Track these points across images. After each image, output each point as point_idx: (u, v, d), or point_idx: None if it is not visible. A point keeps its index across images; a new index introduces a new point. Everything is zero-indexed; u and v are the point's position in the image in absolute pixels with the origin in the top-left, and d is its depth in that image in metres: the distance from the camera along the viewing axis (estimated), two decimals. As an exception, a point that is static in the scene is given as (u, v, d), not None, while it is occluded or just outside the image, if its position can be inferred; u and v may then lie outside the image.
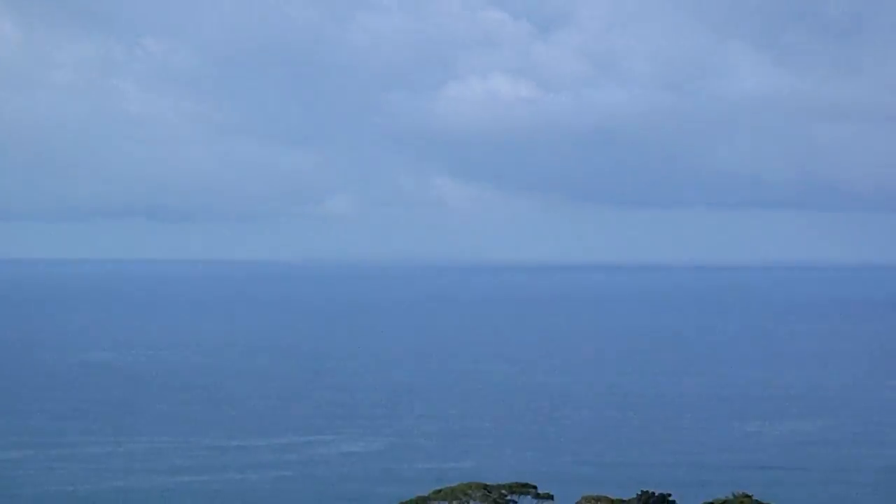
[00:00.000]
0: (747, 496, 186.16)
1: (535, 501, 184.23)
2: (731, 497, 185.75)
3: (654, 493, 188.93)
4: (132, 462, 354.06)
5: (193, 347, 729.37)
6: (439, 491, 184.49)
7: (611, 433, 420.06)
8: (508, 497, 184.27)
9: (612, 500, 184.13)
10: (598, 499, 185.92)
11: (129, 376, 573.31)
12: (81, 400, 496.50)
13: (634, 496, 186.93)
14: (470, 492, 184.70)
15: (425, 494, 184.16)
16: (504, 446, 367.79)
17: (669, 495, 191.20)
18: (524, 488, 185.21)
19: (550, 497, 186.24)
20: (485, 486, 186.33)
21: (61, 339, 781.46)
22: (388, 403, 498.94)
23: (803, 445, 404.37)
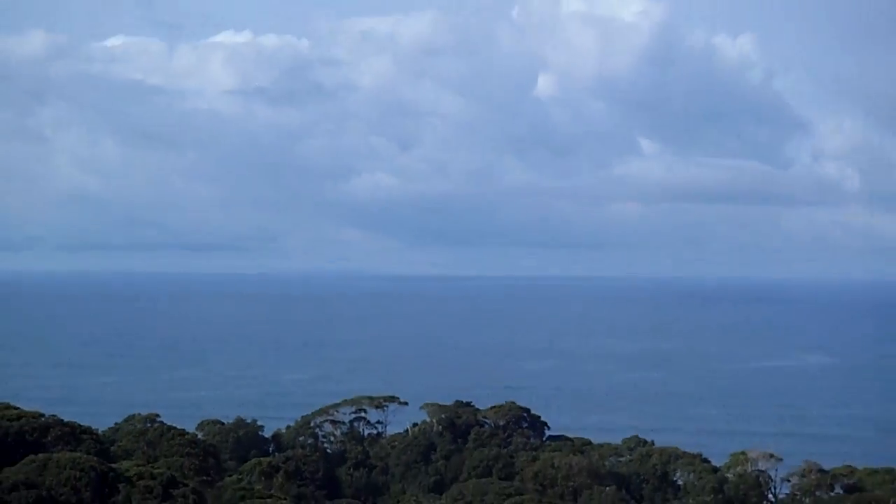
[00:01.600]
0: (514, 402, 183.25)
1: (398, 406, 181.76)
2: (504, 403, 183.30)
3: (463, 401, 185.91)
4: (181, 382, 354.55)
5: (208, 325, 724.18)
6: (346, 400, 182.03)
7: (439, 367, 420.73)
8: (384, 404, 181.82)
9: (441, 405, 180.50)
10: (431, 405, 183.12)
11: (185, 336, 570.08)
12: (149, 347, 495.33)
13: (452, 403, 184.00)
14: (362, 401, 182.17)
15: (337, 402, 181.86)
16: (381, 376, 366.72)
17: (471, 402, 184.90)
18: (392, 399, 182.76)
19: (406, 403, 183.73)
20: (370, 398, 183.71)
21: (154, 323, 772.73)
22: (314, 349, 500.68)
23: (551, 373, 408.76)
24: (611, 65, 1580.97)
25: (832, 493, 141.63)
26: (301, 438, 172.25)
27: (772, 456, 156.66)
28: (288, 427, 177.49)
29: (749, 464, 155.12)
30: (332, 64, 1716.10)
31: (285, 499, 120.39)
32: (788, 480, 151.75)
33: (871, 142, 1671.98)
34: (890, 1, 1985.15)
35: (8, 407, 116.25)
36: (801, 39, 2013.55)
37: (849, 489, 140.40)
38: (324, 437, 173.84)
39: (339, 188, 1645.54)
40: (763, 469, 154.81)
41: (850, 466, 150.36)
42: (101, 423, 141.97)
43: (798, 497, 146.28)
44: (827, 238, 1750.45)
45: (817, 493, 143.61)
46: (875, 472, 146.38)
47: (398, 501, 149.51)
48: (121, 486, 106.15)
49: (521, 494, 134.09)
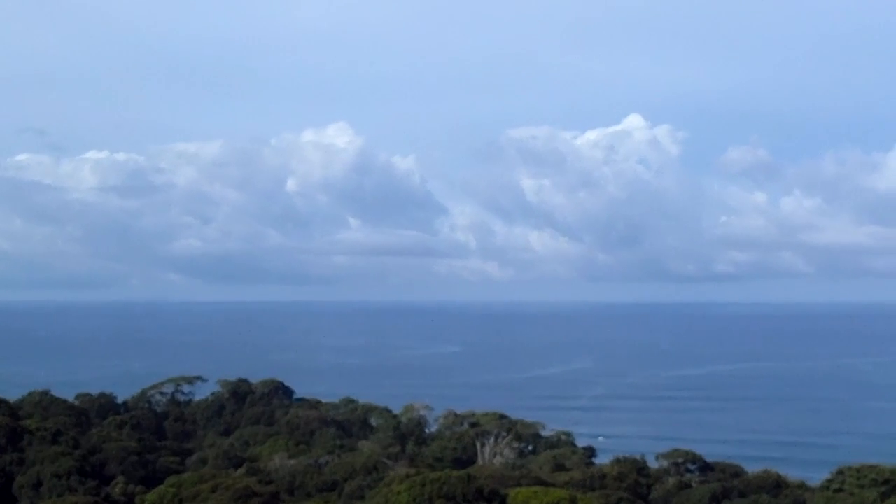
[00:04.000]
0: (274, 378, 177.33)
1: (202, 382, 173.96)
2: (268, 379, 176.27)
3: (243, 378, 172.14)
4: (63, 369, 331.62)
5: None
6: (170, 379, 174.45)
7: (229, 357, 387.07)
8: (193, 381, 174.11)
9: (229, 381, 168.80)
10: (223, 381, 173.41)
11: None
12: (44, 347, 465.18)
13: (236, 379, 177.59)
14: (179, 379, 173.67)
15: (164, 380, 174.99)
16: (193, 363, 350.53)
17: (247, 379, 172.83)
18: (198, 378, 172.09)
19: (207, 380, 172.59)
20: (184, 377, 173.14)
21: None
22: (151, 347, 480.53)
23: (297, 359, 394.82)
24: (331, 173, 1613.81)
25: (462, 427, 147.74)
26: (141, 403, 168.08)
27: (427, 406, 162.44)
28: (132, 396, 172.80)
29: (414, 411, 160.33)
30: (159, 171, 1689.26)
31: (131, 441, 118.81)
32: (437, 421, 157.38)
33: (482, 220, 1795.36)
34: (492, 134, 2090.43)
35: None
36: (443, 159, 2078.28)
37: (472, 425, 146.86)
38: (155, 402, 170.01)
39: (164, 248, 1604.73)
40: (423, 414, 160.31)
41: (472, 411, 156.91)
42: (13, 396, 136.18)
43: (442, 431, 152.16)
44: (458, 277, 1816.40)
45: (454, 428, 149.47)
46: (487, 413, 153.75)
47: (202, 442, 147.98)
48: (26, 435, 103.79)
49: (278, 434, 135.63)
